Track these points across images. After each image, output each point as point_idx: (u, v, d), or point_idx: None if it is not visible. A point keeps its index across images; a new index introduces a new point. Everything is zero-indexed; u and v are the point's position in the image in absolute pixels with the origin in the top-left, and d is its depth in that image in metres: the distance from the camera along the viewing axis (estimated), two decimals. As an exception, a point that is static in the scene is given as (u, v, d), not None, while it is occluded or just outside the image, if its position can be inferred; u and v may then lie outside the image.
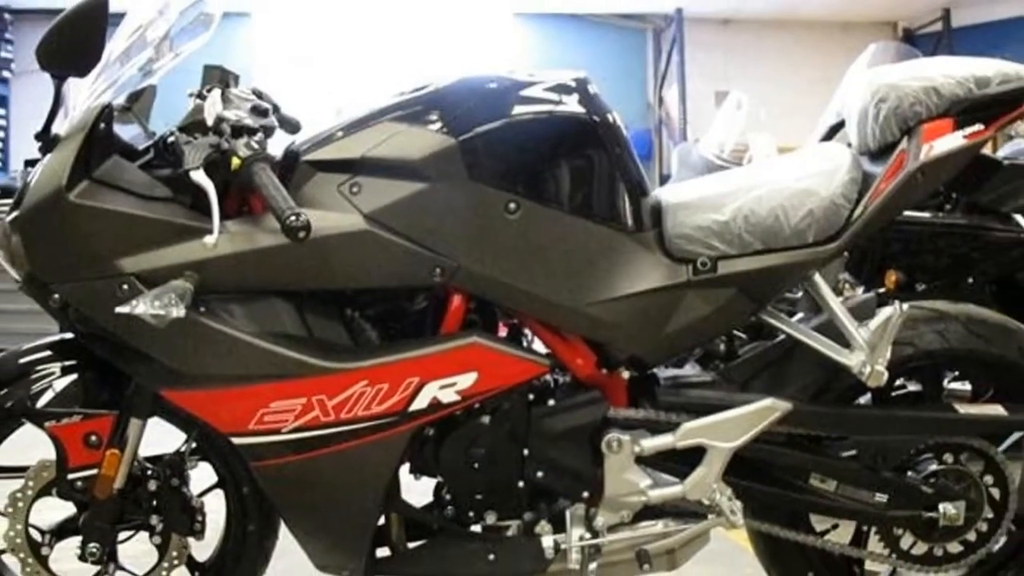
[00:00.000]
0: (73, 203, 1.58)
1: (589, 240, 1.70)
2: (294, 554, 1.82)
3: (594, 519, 1.74)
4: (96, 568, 1.80)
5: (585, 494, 1.75)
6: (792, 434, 1.79)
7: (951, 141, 1.73)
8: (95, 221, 1.59)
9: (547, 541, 1.73)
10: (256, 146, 1.59)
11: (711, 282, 1.73)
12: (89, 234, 1.59)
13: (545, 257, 1.68)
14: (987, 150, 2.64)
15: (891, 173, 1.74)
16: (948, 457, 1.85)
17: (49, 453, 1.75)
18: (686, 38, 10.46)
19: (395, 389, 1.64)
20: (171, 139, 1.66)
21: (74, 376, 1.79)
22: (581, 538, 1.73)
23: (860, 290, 2.88)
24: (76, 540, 1.78)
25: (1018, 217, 2.80)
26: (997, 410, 1.84)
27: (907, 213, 2.55)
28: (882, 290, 2.85)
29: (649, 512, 1.77)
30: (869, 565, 1.97)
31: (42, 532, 1.80)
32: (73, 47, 1.58)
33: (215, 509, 1.87)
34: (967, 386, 2.09)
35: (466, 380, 1.65)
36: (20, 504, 1.77)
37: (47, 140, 1.65)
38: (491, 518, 1.77)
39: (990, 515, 1.87)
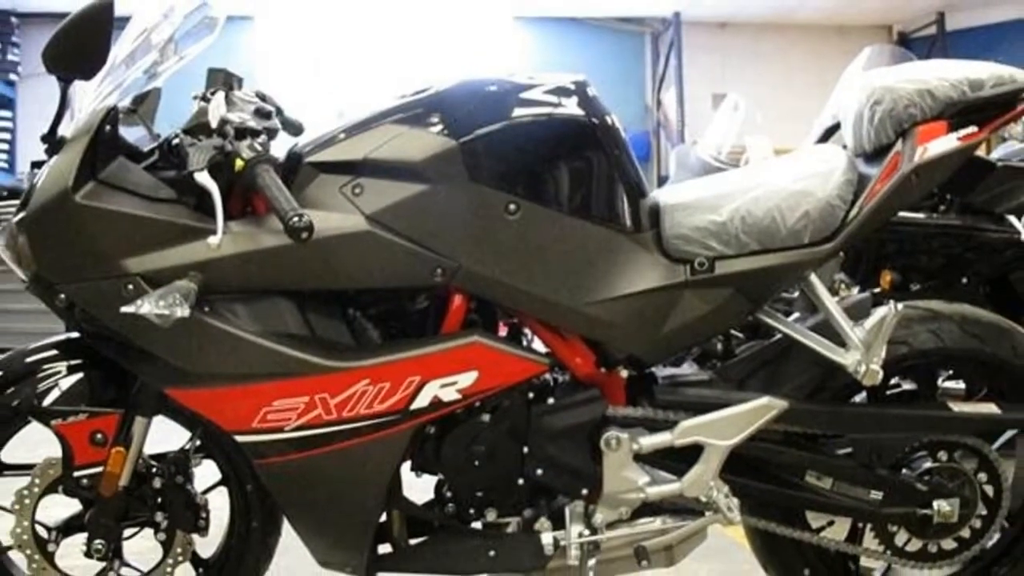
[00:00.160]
0: (79, 204, 1.58)
1: (588, 240, 1.70)
2: (297, 551, 1.82)
3: (593, 516, 1.74)
4: (101, 564, 1.80)
5: (584, 491, 1.75)
6: (788, 432, 1.80)
7: (945, 143, 1.73)
8: (100, 222, 1.59)
9: (547, 538, 1.73)
10: (259, 148, 1.60)
11: (708, 282, 1.73)
12: (95, 235, 1.59)
13: (545, 257, 1.69)
14: (981, 152, 2.65)
15: (886, 175, 1.74)
16: (942, 455, 1.85)
17: (55, 451, 1.75)
18: (684, 41, 10.46)
19: (397, 388, 1.64)
20: (175, 141, 1.66)
21: (80, 375, 1.79)
22: (580, 535, 1.73)
23: (856, 290, 2.89)
24: (82, 537, 1.79)
25: (1011, 218, 2.81)
26: (991, 408, 1.84)
27: (902, 214, 2.55)
28: (877, 290, 2.85)
29: (647, 509, 1.77)
30: (864, 561, 1.97)
31: (48, 529, 1.80)
32: (79, 50, 1.58)
33: (219, 506, 1.87)
34: (961, 385, 2.09)
35: (467, 379, 1.65)
36: (27, 501, 1.77)
37: (53, 142, 1.65)
38: (491, 515, 1.77)
39: (984, 512, 1.87)
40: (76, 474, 1.74)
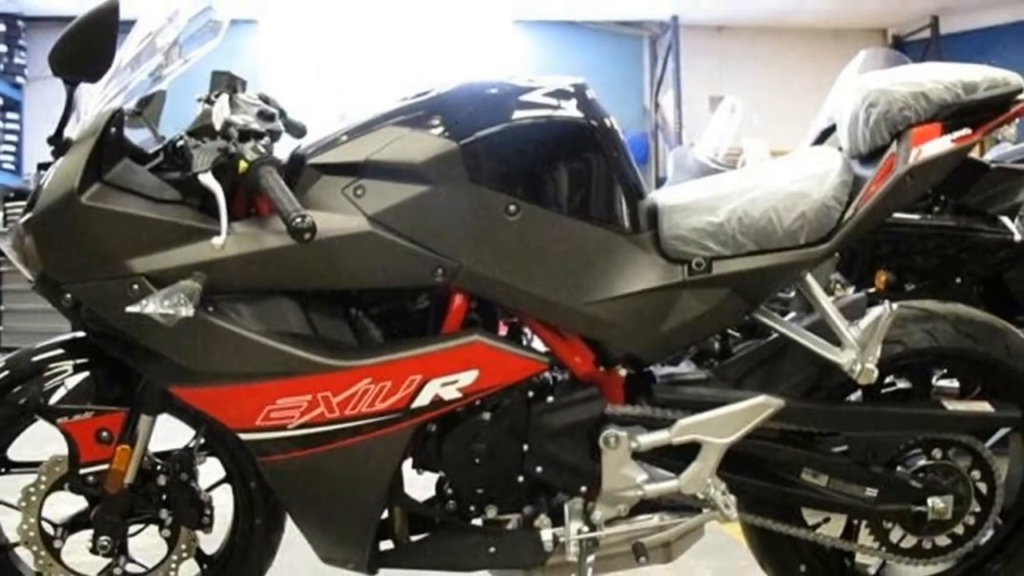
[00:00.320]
0: (85, 205, 1.58)
1: (587, 241, 1.70)
2: (300, 547, 1.82)
3: (592, 513, 1.74)
4: (107, 561, 1.80)
5: (583, 488, 1.75)
6: (785, 430, 1.80)
7: (939, 145, 1.73)
8: (106, 223, 1.59)
9: (546, 534, 1.73)
10: (263, 150, 1.60)
11: (706, 282, 1.73)
12: (100, 235, 1.59)
13: (544, 258, 1.68)
14: (975, 153, 2.65)
15: (881, 176, 1.74)
16: (937, 453, 1.85)
17: (62, 449, 1.75)
18: (681, 45, 10.47)
19: (398, 386, 1.64)
20: (180, 143, 1.66)
21: (86, 374, 1.79)
22: (579, 531, 1.73)
23: (851, 290, 2.88)
24: (88, 533, 1.79)
25: (1005, 219, 2.80)
26: (984, 407, 1.84)
27: (897, 215, 2.55)
28: (872, 290, 2.85)
29: (645, 506, 1.77)
30: (860, 558, 1.97)
31: (55, 525, 1.80)
32: (85, 53, 1.58)
33: (223, 503, 1.87)
34: (955, 384, 2.09)
35: (467, 377, 1.65)
36: (33, 498, 1.77)
37: (59, 144, 1.65)
38: (492, 512, 1.77)
39: (977, 509, 1.87)
40: (82, 471, 1.74)
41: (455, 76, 1.79)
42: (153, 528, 1.83)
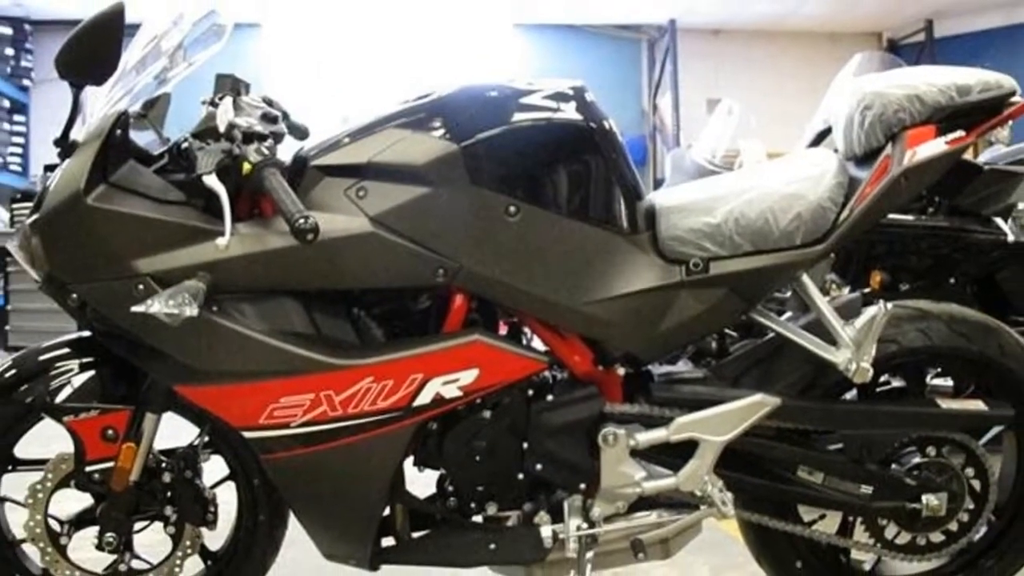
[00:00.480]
0: (90, 206, 1.58)
1: (586, 242, 1.70)
2: (303, 543, 1.82)
3: (591, 510, 1.74)
4: (113, 557, 1.80)
5: (582, 486, 1.75)
6: (781, 428, 1.79)
7: (933, 147, 1.73)
8: (112, 223, 1.59)
9: (546, 531, 1.73)
10: (266, 152, 1.59)
11: (703, 282, 1.73)
12: (106, 236, 1.59)
13: (544, 258, 1.68)
14: (968, 155, 2.65)
15: (876, 178, 1.73)
16: (931, 450, 1.85)
17: (68, 447, 1.75)
18: (679, 48, 10.47)
19: (400, 385, 1.64)
20: (185, 145, 1.66)
21: (92, 372, 1.79)
22: (578, 528, 1.73)
23: (846, 290, 2.88)
24: (93, 530, 1.79)
25: (998, 220, 2.81)
26: (978, 405, 1.84)
27: (891, 216, 2.55)
28: (867, 290, 2.85)
29: (644, 503, 1.77)
30: (855, 554, 1.97)
31: (61, 522, 1.80)
32: (90, 56, 1.58)
33: (227, 500, 1.87)
34: (949, 382, 2.09)
35: (468, 376, 1.65)
36: (40, 495, 1.77)
37: (65, 146, 1.65)
38: (492, 509, 1.77)
39: (971, 506, 1.87)
40: (88, 469, 1.74)
41: (456, 79, 1.79)
42: (158, 525, 1.83)
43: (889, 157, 1.74)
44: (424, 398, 1.65)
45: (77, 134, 1.66)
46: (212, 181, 1.55)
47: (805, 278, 1.78)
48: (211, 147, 1.59)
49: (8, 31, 9.51)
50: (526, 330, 1.84)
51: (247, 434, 1.67)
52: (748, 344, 1.89)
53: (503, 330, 1.83)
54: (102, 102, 1.68)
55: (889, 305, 1.75)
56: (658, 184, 9.33)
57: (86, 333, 1.80)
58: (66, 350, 1.80)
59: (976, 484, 1.87)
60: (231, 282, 1.61)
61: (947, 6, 10.12)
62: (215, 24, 1.82)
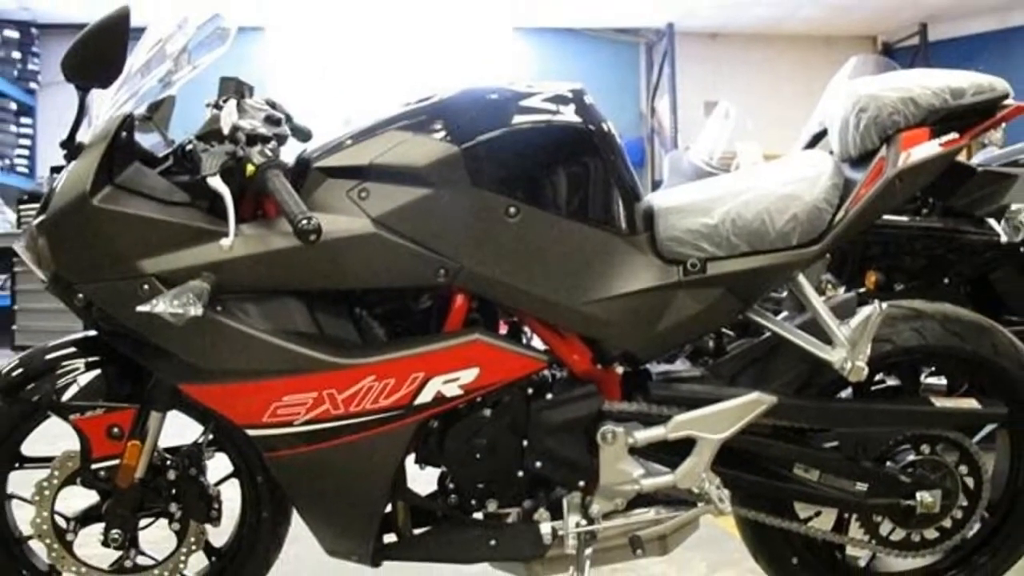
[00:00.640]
0: (96, 207, 1.58)
1: (585, 242, 1.70)
2: (306, 540, 1.82)
3: (590, 507, 1.74)
4: (118, 553, 1.80)
5: (581, 483, 1.75)
6: (777, 426, 1.79)
7: (928, 149, 1.73)
8: (117, 224, 1.59)
9: (545, 527, 1.73)
10: (270, 153, 1.59)
11: (700, 282, 1.73)
12: (112, 236, 1.59)
13: (543, 259, 1.68)
14: (962, 157, 2.65)
15: (871, 179, 1.73)
16: (925, 448, 1.85)
17: (74, 444, 1.75)
18: (677, 51, 10.47)
19: (401, 384, 1.64)
20: (189, 147, 1.66)
21: (97, 371, 1.78)
22: (577, 525, 1.73)
23: (842, 290, 2.88)
24: (99, 527, 1.79)
25: (991, 221, 2.80)
26: (971, 404, 1.84)
27: (886, 217, 2.54)
28: (862, 290, 2.85)
29: (642, 500, 1.77)
30: (850, 550, 1.97)
31: (67, 519, 1.80)
32: (96, 60, 1.58)
33: (231, 497, 1.87)
34: (943, 381, 2.09)
35: (469, 375, 1.65)
36: (46, 492, 1.77)
37: (72, 148, 1.65)
38: (492, 506, 1.77)
39: (965, 503, 1.88)
40: (94, 466, 1.74)
41: (457, 82, 1.79)
42: (163, 521, 1.82)
43: (884, 159, 1.74)
44: (425, 397, 1.65)
45: (83, 136, 1.66)
46: (216, 182, 1.55)
47: (801, 278, 1.78)
48: (215, 149, 1.59)
49: (15, 35, 9.51)
50: (526, 329, 1.84)
51: (251, 432, 1.67)
52: (745, 343, 1.89)
53: (503, 329, 1.83)
54: (108, 105, 1.68)
55: (884, 305, 1.75)
56: (656, 185, 9.32)
57: (92, 332, 1.79)
58: (72, 349, 1.80)
59: (970, 481, 1.88)
60: (235, 282, 1.61)
61: (941, 10, 10.12)
62: (219, 28, 1.82)
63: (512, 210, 1.66)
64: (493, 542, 1.75)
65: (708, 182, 1.94)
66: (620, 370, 1.78)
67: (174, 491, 1.80)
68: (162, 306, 1.49)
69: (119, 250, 1.59)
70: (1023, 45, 9.85)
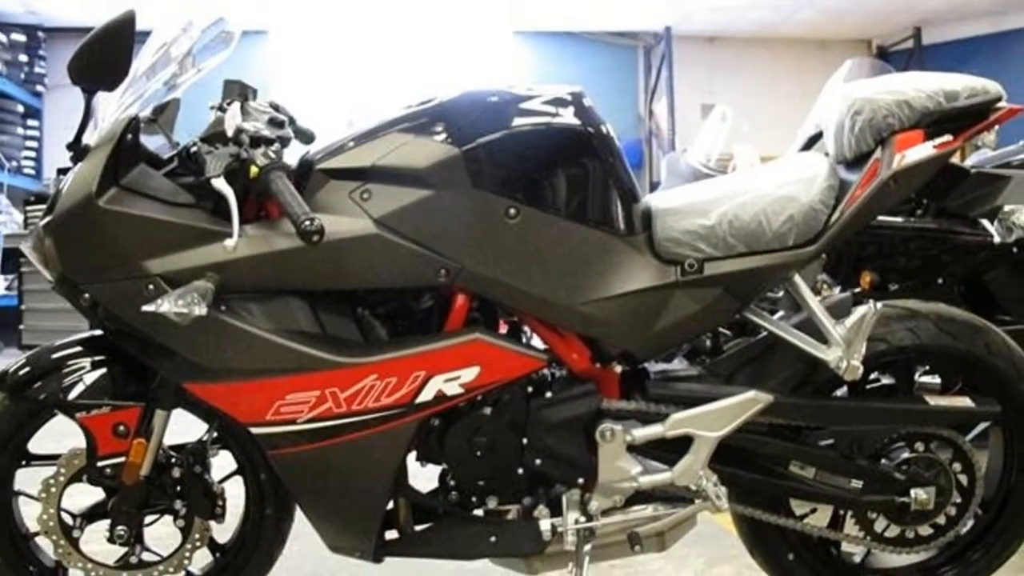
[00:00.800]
0: (102, 208, 1.58)
1: (584, 243, 1.70)
2: (308, 536, 1.82)
3: (588, 504, 1.74)
4: (124, 549, 1.80)
5: (580, 480, 1.75)
6: (773, 424, 1.79)
7: (922, 151, 1.73)
8: (123, 225, 1.59)
9: (545, 524, 1.73)
10: (273, 155, 1.59)
11: (698, 282, 1.73)
12: (117, 237, 1.59)
13: (543, 259, 1.68)
14: (956, 159, 2.65)
15: (866, 181, 1.73)
16: (919, 446, 1.85)
17: (80, 442, 1.75)
18: (674, 55, 10.47)
19: (403, 382, 1.64)
20: (194, 149, 1.66)
21: (103, 370, 1.78)
22: (576, 521, 1.73)
23: (837, 290, 2.88)
24: (105, 523, 1.79)
25: (984, 222, 2.80)
26: (965, 402, 1.84)
27: (881, 218, 2.55)
28: (857, 290, 2.84)
29: (640, 497, 1.77)
30: (845, 546, 1.97)
31: (73, 516, 1.80)
32: (102, 63, 1.58)
33: (235, 494, 1.87)
34: (937, 380, 2.09)
35: (469, 374, 1.65)
36: (53, 490, 1.77)
37: (78, 150, 1.65)
38: (492, 503, 1.77)
39: (958, 500, 1.87)
40: (100, 464, 1.74)
41: (457, 85, 1.79)
42: (168, 518, 1.83)
43: (878, 161, 1.74)
44: (426, 395, 1.65)
45: (89, 138, 1.66)
46: (220, 184, 1.55)
47: (797, 278, 1.78)
48: (219, 151, 1.59)
49: (22, 38, 9.50)
50: (526, 329, 1.84)
51: (254, 430, 1.67)
52: (742, 342, 1.89)
53: (503, 329, 1.83)
54: (113, 107, 1.68)
55: (879, 305, 1.75)
56: (654, 187, 9.32)
57: (98, 332, 1.79)
58: (78, 348, 1.80)
59: (963, 479, 1.87)
60: (239, 282, 1.61)
61: (935, 14, 10.12)
62: (223, 31, 1.82)
63: (512, 211, 1.66)
64: (493, 538, 1.75)
65: (705, 184, 1.94)
66: (618, 369, 1.78)
67: (179, 488, 1.80)
68: (167, 306, 1.49)
69: (125, 250, 1.59)
70: (1016, 48, 9.86)
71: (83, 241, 1.61)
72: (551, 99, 1.73)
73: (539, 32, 10.49)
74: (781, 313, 2.01)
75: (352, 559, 1.78)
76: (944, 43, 10.44)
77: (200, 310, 1.50)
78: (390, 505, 1.76)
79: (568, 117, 1.71)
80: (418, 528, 1.79)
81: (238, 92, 1.74)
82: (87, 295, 1.63)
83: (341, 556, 1.79)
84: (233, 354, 1.62)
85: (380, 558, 1.78)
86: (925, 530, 1.89)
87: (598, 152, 1.71)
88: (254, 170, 1.57)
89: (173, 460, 1.80)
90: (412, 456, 1.77)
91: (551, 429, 1.73)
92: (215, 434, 1.84)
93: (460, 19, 9.94)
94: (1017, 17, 9.92)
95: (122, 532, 1.77)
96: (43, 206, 1.69)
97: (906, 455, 1.85)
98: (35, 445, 1.82)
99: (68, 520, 1.80)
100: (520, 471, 1.74)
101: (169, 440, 1.80)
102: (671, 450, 1.75)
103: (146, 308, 1.52)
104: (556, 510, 1.75)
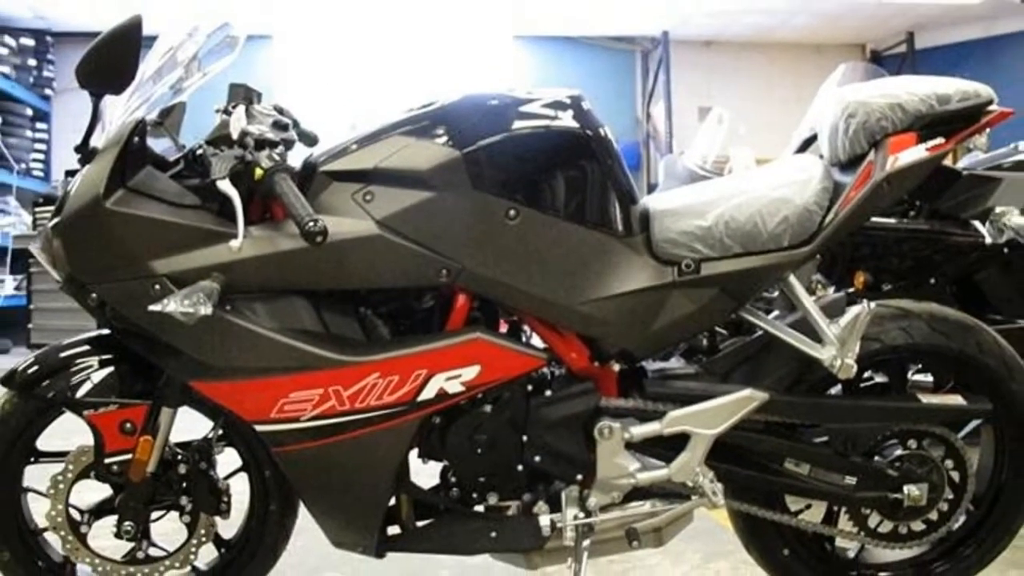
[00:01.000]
0: (109, 210, 1.59)
1: (583, 244, 1.70)
2: (312, 532, 1.82)
3: (587, 500, 1.74)
4: (131, 545, 1.81)
5: (579, 477, 1.75)
6: (769, 422, 1.79)
7: (915, 153, 1.73)
8: (130, 226, 1.59)
9: (544, 520, 1.73)
10: (277, 158, 1.59)
11: (695, 282, 1.73)
12: (124, 238, 1.59)
13: (542, 260, 1.68)
14: (948, 161, 2.65)
15: (860, 182, 1.73)
16: (912, 443, 1.85)
17: (88, 439, 1.75)
18: (672, 59, 10.46)
19: (405, 381, 1.64)
20: (199, 151, 1.66)
21: (110, 369, 1.78)
22: (575, 517, 1.73)
23: (831, 290, 2.88)
24: (112, 519, 1.79)
25: (976, 223, 2.81)
26: (957, 400, 1.84)
27: (874, 219, 2.55)
28: (851, 290, 2.85)
29: (638, 493, 1.77)
30: (839, 542, 1.97)
31: (81, 512, 1.80)
32: (110, 67, 1.58)
33: (240, 491, 1.87)
34: (929, 378, 2.09)
35: (470, 372, 1.65)
36: (61, 486, 1.78)
37: (86, 152, 1.65)
38: (493, 499, 1.77)
39: (950, 496, 1.87)
40: (107, 461, 1.74)
41: (458, 88, 1.79)
42: (174, 514, 1.83)
43: (872, 163, 1.74)
44: (428, 393, 1.65)
45: (97, 141, 1.66)
46: (226, 186, 1.55)
47: (792, 278, 1.78)
48: (225, 153, 1.59)
49: (31, 42, 9.50)
50: (526, 328, 1.84)
51: (259, 428, 1.67)
52: (738, 341, 1.89)
53: (503, 328, 1.83)
54: (120, 111, 1.68)
55: (872, 304, 1.75)
56: (651, 189, 9.32)
57: (105, 331, 1.80)
58: (86, 347, 1.80)
59: (955, 475, 1.87)
60: (244, 282, 1.61)
61: (928, 19, 10.12)
62: (228, 36, 1.82)
63: (512, 213, 1.66)
64: (493, 534, 1.75)
65: (702, 185, 1.94)
66: (617, 368, 1.78)
67: (185, 485, 1.80)
68: (173, 305, 1.49)
69: (131, 251, 1.60)
70: (1007, 53, 9.86)
71: (91, 242, 1.61)
72: (550, 102, 1.73)
73: (539, 37, 10.48)
74: (776, 313, 2.01)
75: (355, 554, 1.78)
76: (937, 47, 10.44)
77: (206, 310, 1.50)
78: (392, 501, 1.76)
79: (567, 120, 1.71)
80: (420, 524, 1.80)
81: (243, 95, 1.74)
82: (94, 295, 1.63)
83: (344, 551, 1.79)
84: (238, 353, 1.62)
85: (382, 553, 1.78)
86: (918, 526, 1.89)
87: (597, 154, 1.71)
88: (259, 172, 1.57)
89: (179, 457, 1.80)
90: (414, 453, 1.77)
91: (550, 427, 1.73)
92: (220, 431, 1.84)
93: (461, 24, 9.93)
94: (1008, 22, 9.92)
95: (129, 528, 1.77)
96: (51, 208, 1.70)
97: (899, 452, 1.85)
98: (43, 442, 1.82)
99: (76, 516, 1.80)
100: (520, 468, 1.74)
101: (175, 437, 1.80)
102: (668, 447, 1.75)
103: (152, 308, 1.52)
104: (555, 506, 1.75)
